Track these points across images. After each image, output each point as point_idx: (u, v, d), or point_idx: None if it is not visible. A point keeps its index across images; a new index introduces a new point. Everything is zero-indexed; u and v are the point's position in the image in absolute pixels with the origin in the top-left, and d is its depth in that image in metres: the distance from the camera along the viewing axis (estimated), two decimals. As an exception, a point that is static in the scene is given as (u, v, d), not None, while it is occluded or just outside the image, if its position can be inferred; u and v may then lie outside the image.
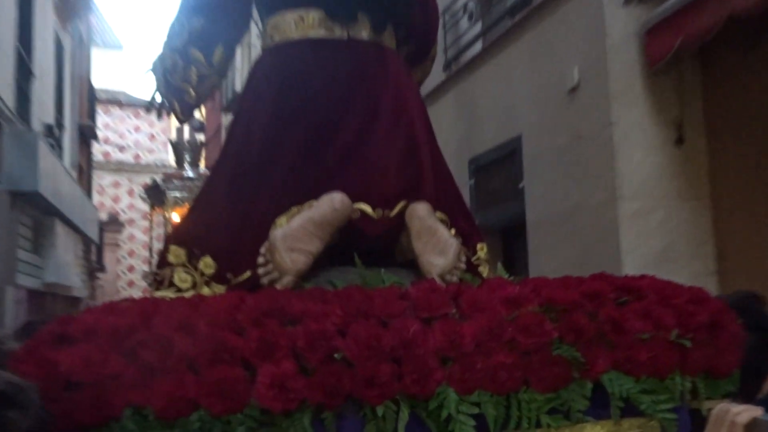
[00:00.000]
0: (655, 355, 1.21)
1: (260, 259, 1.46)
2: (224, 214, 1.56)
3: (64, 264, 9.53)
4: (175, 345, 1.12)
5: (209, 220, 1.57)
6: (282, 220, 1.49)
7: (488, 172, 5.56)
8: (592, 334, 1.20)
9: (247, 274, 1.47)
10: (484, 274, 1.63)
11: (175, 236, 1.60)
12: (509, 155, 5.20)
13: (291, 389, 1.10)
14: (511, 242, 5.42)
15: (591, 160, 4.16)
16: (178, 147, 8.24)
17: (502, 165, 5.34)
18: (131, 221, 18.57)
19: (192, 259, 1.53)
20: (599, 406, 1.20)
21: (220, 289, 1.49)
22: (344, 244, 1.51)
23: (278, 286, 1.40)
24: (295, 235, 1.43)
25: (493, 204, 5.45)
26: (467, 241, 1.62)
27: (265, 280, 1.43)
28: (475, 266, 1.63)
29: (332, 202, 1.45)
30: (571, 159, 4.37)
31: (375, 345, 1.14)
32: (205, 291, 1.49)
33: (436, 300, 1.23)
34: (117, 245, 18.33)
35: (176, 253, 1.55)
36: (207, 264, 1.52)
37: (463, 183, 5.57)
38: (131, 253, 18.82)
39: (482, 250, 1.68)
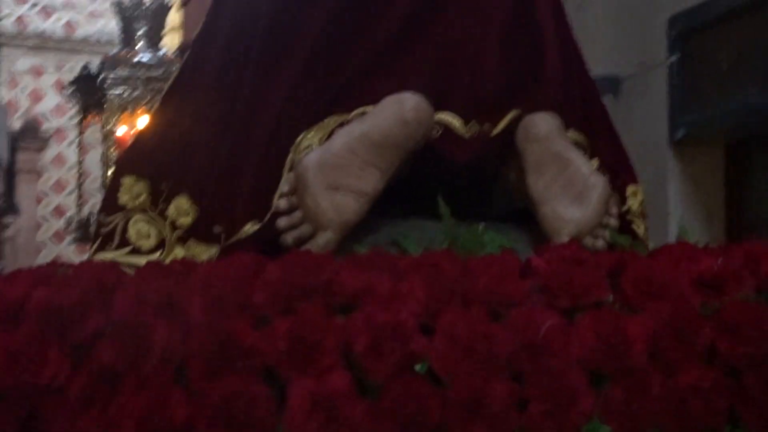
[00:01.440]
0: None
1: (281, 202, 1.46)
2: (211, 124, 1.62)
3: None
4: (153, 340, 1.11)
5: (186, 135, 1.63)
6: (312, 137, 1.52)
7: (711, 38, 4.94)
8: None
9: (251, 226, 1.50)
10: (641, 234, 1.65)
11: (129, 162, 1.66)
12: (755, 5, 4.57)
13: (343, 418, 1.08)
14: (744, 165, 4.99)
15: None
16: (125, 9, 7.20)
17: (739, 23, 4.72)
18: (60, 133, 16.48)
19: (158, 201, 1.60)
20: None
21: (202, 250, 1.55)
22: (418, 181, 1.53)
23: (312, 249, 1.40)
24: (340, 162, 1.44)
25: (718, 97, 4.86)
26: (612, 180, 1.63)
27: (289, 239, 1.44)
28: (627, 222, 1.64)
29: (401, 109, 1.46)
30: None
31: (481, 350, 1.13)
32: (178, 253, 1.56)
33: (583, 278, 1.21)
34: (37, 172, 17.25)
35: (132, 190, 1.60)
36: (182, 208, 1.59)
37: (654, 60, 5.16)
38: (59, 186, 17.26)
39: (635, 196, 1.70)
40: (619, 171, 1.69)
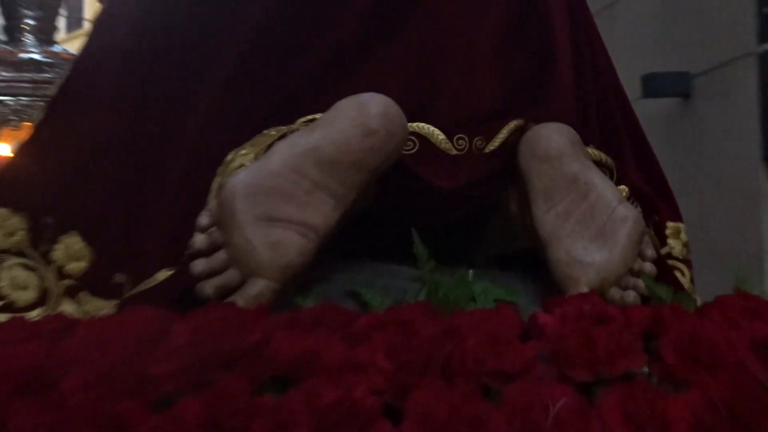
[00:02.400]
0: None
1: (197, 240, 1.45)
2: (111, 145, 1.65)
3: None
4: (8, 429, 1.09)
5: (77, 158, 1.65)
6: (246, 154, 1.54)
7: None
8: None
9: (164, 273, 1.52)
10: (686, 284, 1.68)
11: (2, 189, 1.65)
12: None
13: None
14: None
15: None
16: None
17: None
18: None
19: (39, 240, 1.61)
20: None
21: (98, 306, 1.57)
22: (384, 213, 1.56)
23: (240, 301, 1.39)
24: (279, 186, 1.43)
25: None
26: (647, 214, 1.67)
27: (208, 288, 1.43)
28: (667, 267, 1.65)
29: (363, 114, 1.46)
30: None
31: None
32: (67, 308, 1.57)
33: (608, 341, 1.19)
34: None
35: (4, 225, 1.61)
36: (72, 250, 1.60)
37: (738, 50, 5.17)
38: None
39: (677, 235, 1.75)
40: (655, 203, 1.72)
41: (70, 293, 1.57)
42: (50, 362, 1.15)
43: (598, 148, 1.67)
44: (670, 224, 1.73)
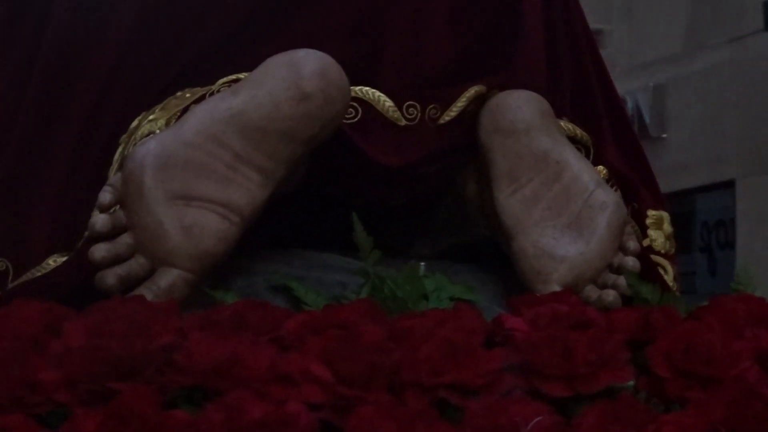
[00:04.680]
0: None
1: (98, 220, 1.40)
2: None
3: None
4: None
5: None
6: (155, 120, 1.52)
7: None
8: None
9: (56, 260, 1.51)
10: (669, 283, 1.66)
11: None
12: None
13: None
14: None
15: None
16: None
17: None
18: None
19: None
20: None
21: None
22: (319, 194, 1.58)
23: (148, 295, 1.36)
24: (196, 158, 1.41)
25: None
26: (626, 200, 1.65)
27: (110, 278, 1.39)
28: (651, 263, 1.64)
29: (296, 74, 1.44)
30: None
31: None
32: None
33: (588, 350, 1.17)
34: None
35: None
36: None
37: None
38: None
39: (660, 225, 1.72)
40: (636, 187, 1.70)
41: None
42: None
43: (572, 121, 1.66)
44: (651, 213, 1.70)
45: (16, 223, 1.55)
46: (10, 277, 1.51)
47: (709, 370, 1.18)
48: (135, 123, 1.51)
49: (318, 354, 1.14)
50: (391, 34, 1.58)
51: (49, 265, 1.49)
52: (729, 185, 7.60)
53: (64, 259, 1.48)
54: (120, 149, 1.50)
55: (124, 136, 1.51)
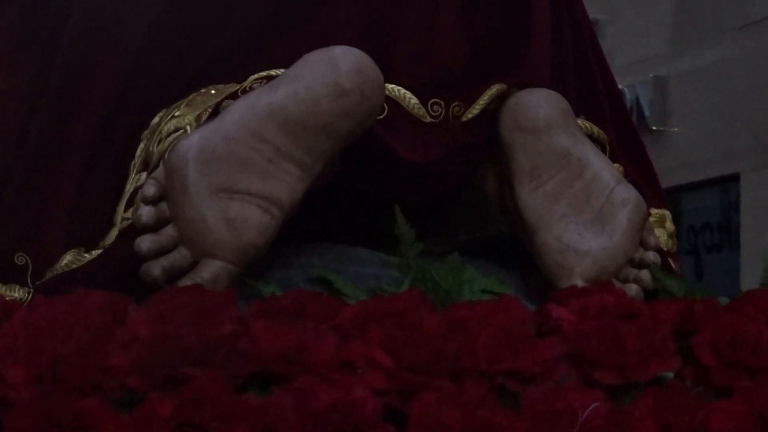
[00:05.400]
0: None
1: (143, 212, 1.41)
2: (6, 102, 1.65)
3: None
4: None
5: None
6: (183, 115, 1.53)
7: None
8: None
9: (74, 257, 1.51)
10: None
11: None
12: None
13: None
14: None
15: None
16: None
17: None
18: None
19: None
20: None
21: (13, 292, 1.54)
22: (343, 188, 1.55)
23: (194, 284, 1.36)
24: (238, 152, 1.41)
25: None
26: None
27: (156, 270, 1.40)
28: (666, 260, 1.65)
29: (335, 71, 1.44)
30: None
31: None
32: None
33: (638, 340, 1.19)
34: None
35: None
36: None
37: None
38: None
39: (663, 224, 1.74)
40: (639, 186, 1.69)
41: None
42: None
43: (588, 116, 1.68)
44: (654, 211, 1.71)
45: (35, 218, 1.55)
46: (30, 272, 1.51)
47: (756, 360, 1.19)
48: (156, 119, 1.52)
49: (380, 341, 1.15)
50: (402, 29, 1.59)
51: (69, 263, 1.50)
52: (733, 179, 7.57)
53: (84, 255, 1.49)
54: (142, 145, 1.51)
55: (146, 132, 1.52)
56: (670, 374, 1.23)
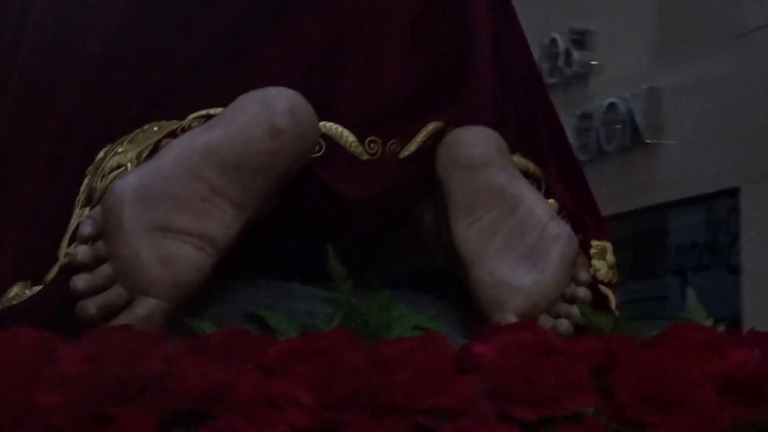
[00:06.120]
0: None
1: (79, 251, 1.41)
2: None
3: None
4: None
5: None
6: (125, 152, 1.52)
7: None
8: None
9: (21, 290, 1.51)
10: (612, 305, 1.69)
11: None
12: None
13: None
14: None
15: None
16: None
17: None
18: None
19: None
20: None
21: None
22: (280, 224, 1.55)
23: (128, 322, 1.35)
24: (173, 191, 1.41)
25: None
26: (574, 229, 1.66)
27: (91, 308, 1.39)
28: (600, 294, 1.67)
29: (269, 111, 1.44)
30: None
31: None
32: None
33: (556, 376, 1.20)
34: None
35: None
36: None
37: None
38: None
39: (603, 256, 1.75)
40: (581, 219, 1.72)
41: None
42: None
43: (524, 152, 1.68)
44: (595, 243, 1.73)
45: None
46: None
47: (669, 396, 1.20)
48: (101, 154, 1.51)
49: (302, 379, 1.15)
50: (346, 67, 1.60)
51: (15, 296, 1.49)
52: (733, 193, 7.58)
53: (31, 288, 1.48)
54: (86, 180, 1.50)
55: (91, 167, 1.51)
56: (590, 410, 1.23)
